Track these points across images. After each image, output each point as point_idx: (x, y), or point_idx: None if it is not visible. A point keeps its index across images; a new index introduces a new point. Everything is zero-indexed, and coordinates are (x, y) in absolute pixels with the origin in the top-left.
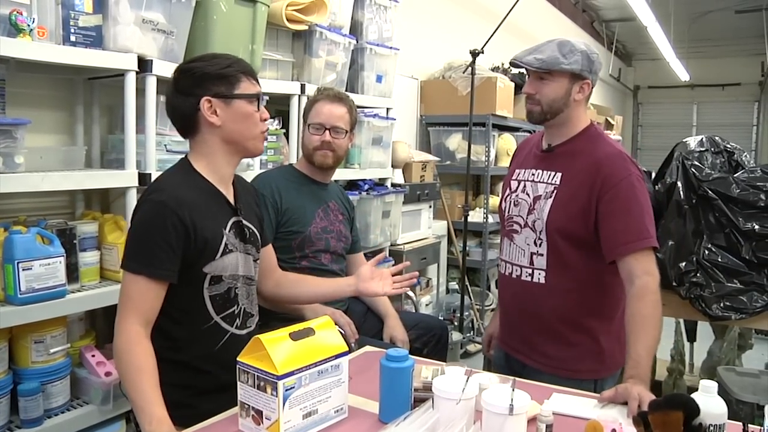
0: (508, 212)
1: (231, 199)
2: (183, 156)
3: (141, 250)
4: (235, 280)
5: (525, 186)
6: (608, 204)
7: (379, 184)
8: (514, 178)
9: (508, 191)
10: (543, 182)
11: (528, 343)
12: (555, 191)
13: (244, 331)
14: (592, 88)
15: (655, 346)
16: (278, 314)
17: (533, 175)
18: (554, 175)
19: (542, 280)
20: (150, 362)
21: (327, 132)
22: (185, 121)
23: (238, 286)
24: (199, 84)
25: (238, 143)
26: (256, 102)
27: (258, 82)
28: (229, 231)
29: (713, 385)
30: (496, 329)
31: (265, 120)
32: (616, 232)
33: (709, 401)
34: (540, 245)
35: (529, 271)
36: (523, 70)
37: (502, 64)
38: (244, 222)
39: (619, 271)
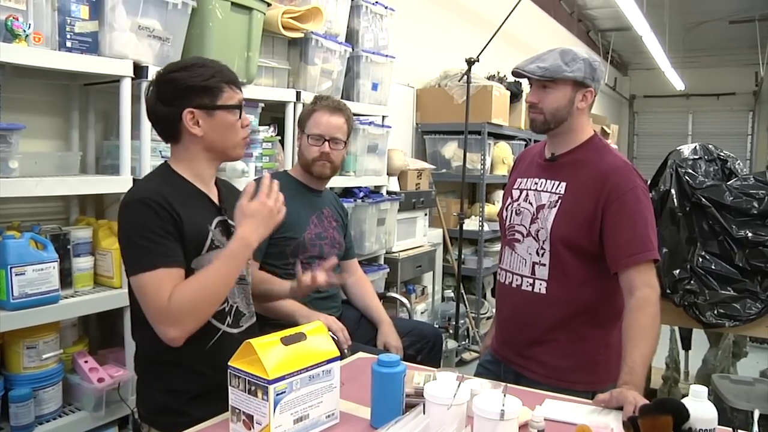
0: (510, 221)
1: (215, 199)
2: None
3: (146, 248)
4: None
5: (528, 195)
6: (614, 215)
7: (375, 191)
8: (515, 187)
9: (509, 200)
10: (547, 191)
11: (524, 353)
12: (560, 200)
13: (236, 330)
14: (595, 96)
15: (651, 356)
16: (271, 320)
17: (536, 184)
18: (558, 185)
19: (543, 291)
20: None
21: (327, 143)
22: (167, 128)
23: None
24: (182, 96)
25: (219, 151)
26: (239, 111)
27: (240, 89)
28: (215, 228)
29: (703, 389)
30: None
31: (247, 125)
32: (620, 244)
33: (699, 406)
34: (542, 255)
35: (530, 281)
36: (521, 80)
37: (498, 73)
38: (230, 222)
39: (620, 282)
